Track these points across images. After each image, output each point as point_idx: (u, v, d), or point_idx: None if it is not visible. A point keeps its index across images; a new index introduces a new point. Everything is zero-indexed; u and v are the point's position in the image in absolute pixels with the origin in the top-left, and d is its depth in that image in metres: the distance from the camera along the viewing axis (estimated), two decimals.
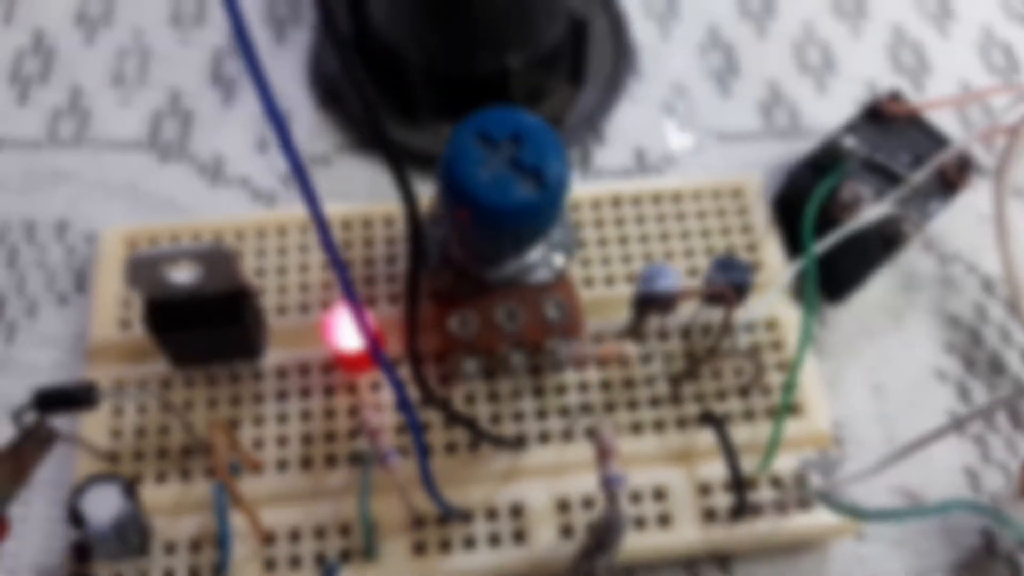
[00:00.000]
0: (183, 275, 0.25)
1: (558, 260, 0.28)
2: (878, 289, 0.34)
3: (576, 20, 0.34)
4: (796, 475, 0.28)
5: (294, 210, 0.33)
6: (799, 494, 0.28)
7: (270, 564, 0.27)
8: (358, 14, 0.35)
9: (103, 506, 0.21)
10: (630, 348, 0.25)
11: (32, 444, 0.25)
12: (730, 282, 0.27)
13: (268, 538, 0.27)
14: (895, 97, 0.31)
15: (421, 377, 0.25)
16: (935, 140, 0.31)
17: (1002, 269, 0.32)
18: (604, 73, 0.38)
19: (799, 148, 0.34)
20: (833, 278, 0.33)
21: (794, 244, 0.31)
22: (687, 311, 0.29)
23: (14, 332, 0.32)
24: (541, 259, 0.28)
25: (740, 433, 0.29)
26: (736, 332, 0.28)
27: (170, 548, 0.27)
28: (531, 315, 0.28)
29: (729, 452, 0.27)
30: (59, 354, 0.32)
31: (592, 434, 0.24)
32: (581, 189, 0.33)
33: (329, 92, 0.37)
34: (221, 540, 0.26)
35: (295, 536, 0.27)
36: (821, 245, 0.29)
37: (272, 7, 0.40)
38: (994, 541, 0.30)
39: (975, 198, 0.36)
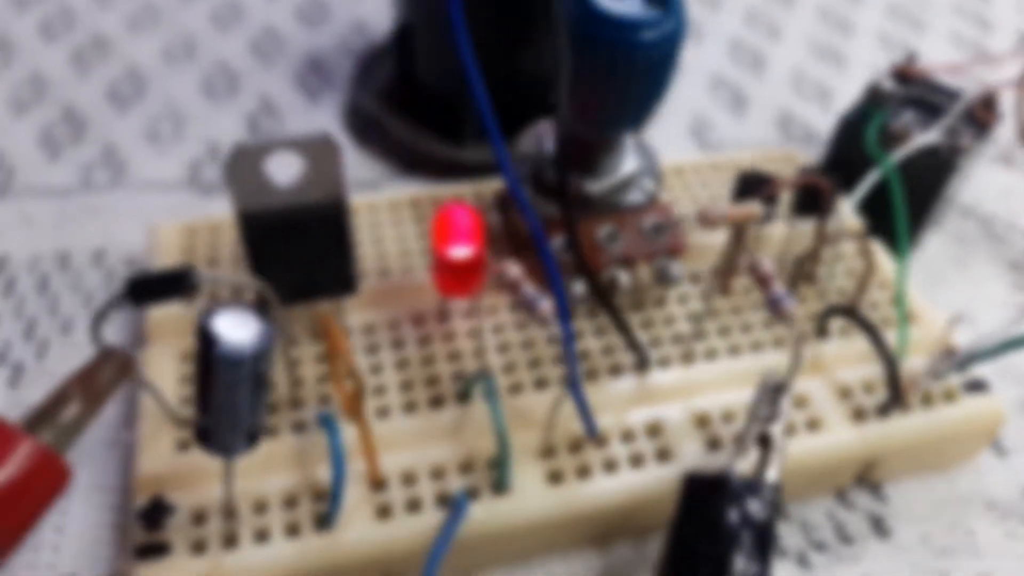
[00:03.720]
0: (284, 172, 0.24)
1: (649, 184, 0.28)
2: (933, 247, 0.35)
3: None
4: (931, 370, 0.26)
5: (393, 193, 0.32)
6: (942, 387, 0.26)
7: (384, 511, 0.23)
8: (403, 63, 0.37)
9: (239, 331, 0.18)
10: (756, 206, 0.24)
11: (108, 369, 0.22)
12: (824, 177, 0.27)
13: (379, 484, 0.23)
14: (911, 60, 0.34)
15: (578, 249, 0.24)
16: (952, 93, 0.34)
17: None
18: None
19: (817, 152, 0.37)
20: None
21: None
22: (779, 241, 0.29)
23: (46, 348, 0.29)
24: (634, 181, 0.28)
25: (857, 343, 0.27)
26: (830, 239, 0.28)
27: (260, 507, 0.23)
28: (632, 235, 0.27)
29: (873, 334, 0.25)
30: None
31: (751, 269, 0.22)
32: None
33: (365, 132, 0.38)
34: (335, 474, 0.22)
35: (409, 479, 0.23)
36: (895, 156, 0.30)
37: (303, 80, 0.41)
38: None
39: (993, 176, 0.38)
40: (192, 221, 0.30)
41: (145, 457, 0.23)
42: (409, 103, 0.38)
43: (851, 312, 0.26)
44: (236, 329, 0.18)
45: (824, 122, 0.41)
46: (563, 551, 0.25)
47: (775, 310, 0.22)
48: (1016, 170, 0.38)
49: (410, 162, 0.37)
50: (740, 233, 0.27)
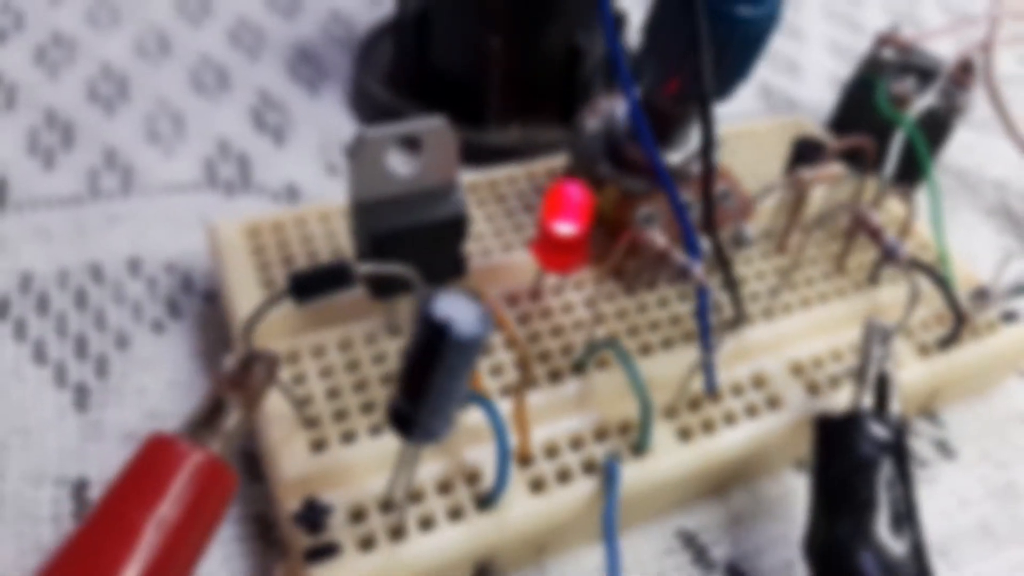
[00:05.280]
0: (404, 163, 0.23)
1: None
2: (926, 201, 0.38)
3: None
4: (973, 303, 0.29)
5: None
6: (985, 319, 0.29)
7: (537, 484, 0.23)
8: (418, 49, 0.37)
9: (462, 315, 0.17)
10: (840, 168, 0.26)
11: (259, 371, 0.21)
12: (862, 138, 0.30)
13: (526, 459, 0.24)
14: (894, 29, 0.38)
15: (711, 212, 0.25)
16: (933, 59, 0.37)
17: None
18: None
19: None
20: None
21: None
22: (819, 200, 0.32)
23: (105, 365, 0.27)
24: (697, 151, 0.29)
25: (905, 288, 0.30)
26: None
27: (416, 496, 0.23)
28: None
29: (934, 274, 0.28)
30: (171, 374, 0.27)
31: (859, 222, 0.24)
32: None
33: (376, 119, 0.37)
34: (499, 453, 0.22)
35: (552, 451, 0.24)
36: (909, 115, 0.33)
37: (295, 70, 0.40)
38: None
39: (960, 136, 0.42)
40: (253, 219, 0.29)
41: (284, 461, 0.23)
42: (423, 89, 0.37)
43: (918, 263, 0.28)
44: (459, 313, 0.18)
45: (799, 92, 0.44)
46: (689, 504, 0.26)
47: (891, 256, 0.24)
48: (972, 127, 0.43)
49: None
50: (803, 195, 0.29)
